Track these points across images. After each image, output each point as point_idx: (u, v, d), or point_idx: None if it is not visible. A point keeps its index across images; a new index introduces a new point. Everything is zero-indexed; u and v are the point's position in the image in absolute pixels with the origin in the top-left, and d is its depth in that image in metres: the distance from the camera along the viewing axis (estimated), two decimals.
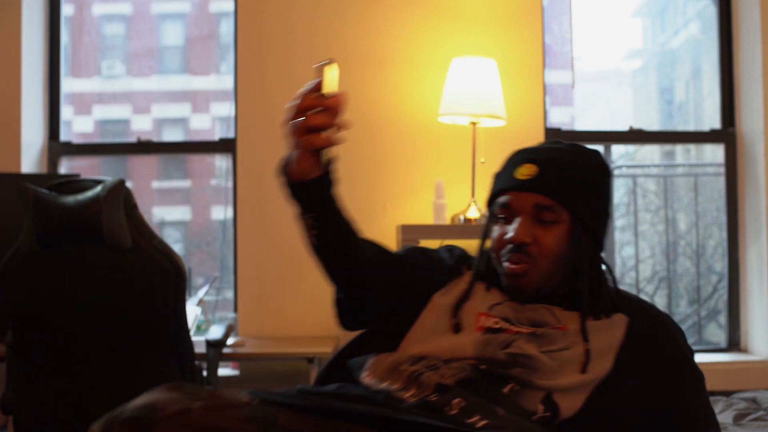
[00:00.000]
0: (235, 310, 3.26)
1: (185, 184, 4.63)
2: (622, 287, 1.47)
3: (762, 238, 3.27)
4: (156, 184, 4.55)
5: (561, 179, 1.38)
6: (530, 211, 1.37)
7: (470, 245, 3.46)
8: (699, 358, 3.49)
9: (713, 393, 2.99)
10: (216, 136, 3.70)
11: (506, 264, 1.38)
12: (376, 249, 1.45)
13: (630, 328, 1.36)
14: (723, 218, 3.49)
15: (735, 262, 3.42)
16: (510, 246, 1.37)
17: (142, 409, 1.08)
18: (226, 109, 4.16)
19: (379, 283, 1.43)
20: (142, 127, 4.51)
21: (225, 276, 3.62)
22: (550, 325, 1.37)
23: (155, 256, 2.26)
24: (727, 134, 3.44)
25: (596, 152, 1.46)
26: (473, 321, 1.39)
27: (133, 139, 3.59)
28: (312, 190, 1.27)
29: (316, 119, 1.20)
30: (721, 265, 3.64)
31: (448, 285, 1.47)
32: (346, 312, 1.48)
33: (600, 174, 1.42)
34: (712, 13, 3.56)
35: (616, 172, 3.84)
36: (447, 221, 3.00)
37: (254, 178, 3.25)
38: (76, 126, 4.34)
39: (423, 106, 3.20)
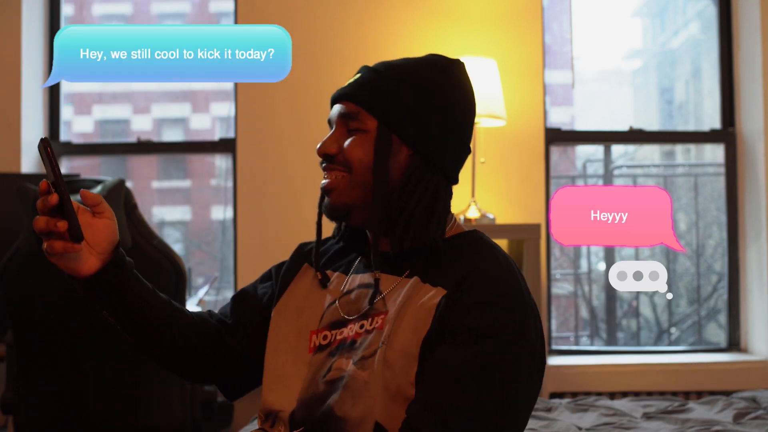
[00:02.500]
0: None
1: (185, 184, 4.62)
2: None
3: (762, 238, 3.27)
4: (156, 184, 4.54)
5: (371, 85, 1.23)
6: (339, 121, 1.24)
7: None
8: (699, 357, 3.50)
9: (713, 392, 2.98)
10: (216, 136, 3.70)
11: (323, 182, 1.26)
12: (222, 311, 1.37)
13: (447, 302, 1.15)
14: (723, 218, 3.49)
15: (735, 262, 3.42)
16: (322, 161, 1.26)
17: None
18: (226, 109, 4.16)
19: (243, 345, 1.34)
20: (142, 127, 4.51)
21: (225, 276, 3.62)
22: (373, 311, 1.21)
23: (155, 256, 2.26)
24: (727, 134, 3.44)
25: (442, 61, 1.27)
26: (306, 343, 1.27)
27: (133, 139, 3.59)
28: (94, 285, 1.18)
29: (39, 223, 1.10)
30: (721, 264, 3.64)
31: (286, 292, 1.35)
32: (230, 388, 1.39)
33: (432, 82, 1.24)
34: (712, 13, 3.56)
35: (615, 172, 3.84)
36: None
37: (254, 178, 3.25)
38: (76, 126, 4.34)
39: None
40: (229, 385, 1.38)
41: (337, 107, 1.25)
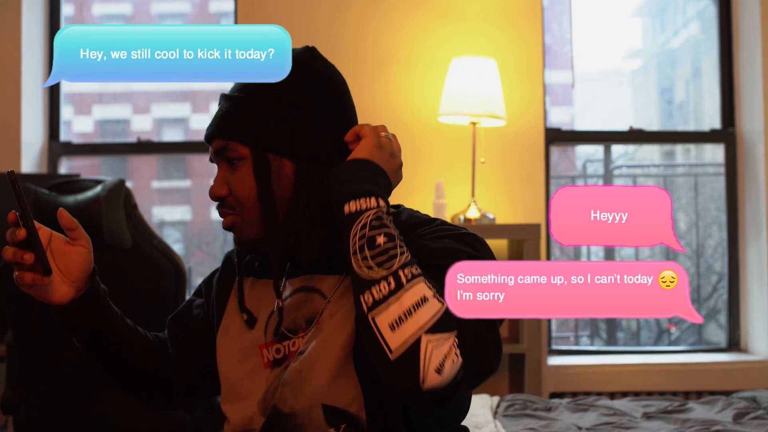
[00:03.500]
0: None
1: (185, 184, 4.63)
2: None
3: (762, 238, 3.27)
4: (156, 184, 4.55)
5: (229, 113, 1.17)
6: (217, 159, 1.19)
7: None
8: (699, 357, 3.50)
9: (713, 392, 2.99)
10: None
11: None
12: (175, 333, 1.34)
13: None
14: (723, 218, 3.49)
15: (735, 262, 3.42)
16: (216, 202, 1.21)
17: None
18: None
19: (190, 373, 1.32)
20: (142, 127, 4.51)
21: None
22: (320, 316, 1.19)
23: (155, 256, 2.27)
24: (727, 134, 3.44)
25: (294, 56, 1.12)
26: (259, 359, 1.22)
27: (133, 139, 3.59)
28: (67, 313, 1.18)
29: (6, 254, 1.09)
30: (721, 264, 3.64)
31: (225, 315, 1.29)
32: (189, 406, 1.39)
33: (289, 84, 1.14)
34: (712, 13, 3.56)
35: (615, 172, 3.84)
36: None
37: None
38: (76, 126, 4.34)
39: (423, 106, 3.20)
40: (188, 403, 1.38)
41: (213, 144, 1.20)
